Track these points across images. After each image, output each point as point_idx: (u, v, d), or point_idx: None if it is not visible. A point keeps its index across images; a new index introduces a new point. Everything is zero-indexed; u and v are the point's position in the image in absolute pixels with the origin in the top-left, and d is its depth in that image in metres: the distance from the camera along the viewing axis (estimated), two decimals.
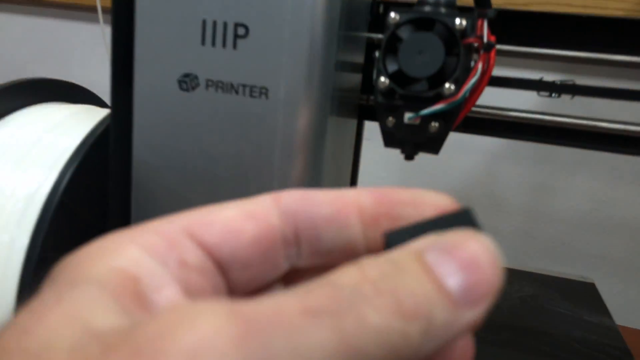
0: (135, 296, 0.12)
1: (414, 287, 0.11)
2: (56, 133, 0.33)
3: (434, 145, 0.28)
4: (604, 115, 0.33)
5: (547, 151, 0.69)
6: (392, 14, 0.27)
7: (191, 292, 0.13)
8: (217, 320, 0.10)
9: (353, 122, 0.36)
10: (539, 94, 0.33)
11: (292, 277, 0.16)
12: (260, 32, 0.27)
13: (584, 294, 0.43)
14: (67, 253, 0.24)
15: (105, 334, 0.11)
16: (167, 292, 0.13)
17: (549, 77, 0.34)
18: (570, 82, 0.33)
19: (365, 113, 0.36)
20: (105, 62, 0.65)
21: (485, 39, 0.28)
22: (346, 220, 0.15)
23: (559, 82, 0.33)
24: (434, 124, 0.27)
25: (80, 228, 0.31)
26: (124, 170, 0.31)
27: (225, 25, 0.28)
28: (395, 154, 0.33)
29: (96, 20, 0.85)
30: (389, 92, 0.27)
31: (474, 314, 0.12)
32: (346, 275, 0.12)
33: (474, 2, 0.31)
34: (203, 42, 0.28)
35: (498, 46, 0.30)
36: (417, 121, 0.27)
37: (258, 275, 0.15)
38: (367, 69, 0.35)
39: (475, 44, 0.27)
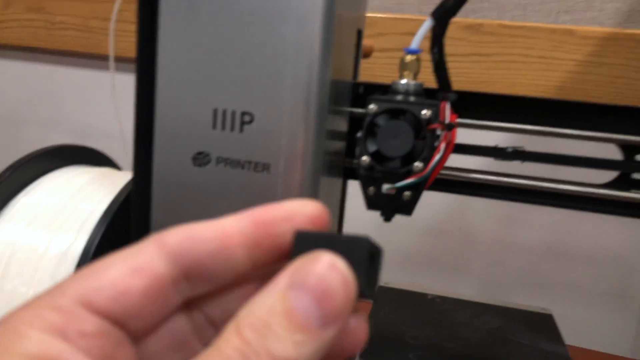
0: None
1: (282, 336, 0.14)
2: (81, 198, 0.38)
3: (407, 209, 0.34)
4: (553, 173, 0.39)
5: None
6: (371, 105, 0.33)
7: (94, 355, 0.15)
8: None
9: (339, 182, 0.42)
10: (495, 159, 0.40)
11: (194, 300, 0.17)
12: (264, 119, 0.33)
13: (543, 325, 0.49)
14: None
15: None
16: None
17: (503, 142, 0.40)
18: (521, 149, 0.39)
19: (349, 174, 0.42)
20: (112, 109, 0.70)
21: (447, 120, 0.34)
22: (230, 252, 0.16)
23: (511, 149, 0.39)
24: (407, 193, 0.33)
25: None
26: (144, 233, 0.36)
27: (233, 113, 0.33)
28: None
29: (101, 67, 0.90)
30: (369, 168, 0.33)
31: (334, 330, 0.14)
32: (229, 341, 0.14)
33: (438, 86, 0.37)
34: (214, 126, 0.34)
35: (460, 119, 0.36)
36: (393, 191, 0.33)
37: (155, 316, 0.16)
38: (350, 137, 0.41)
39: (439, 129, 0.33)
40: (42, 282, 0.35)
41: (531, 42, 0.72)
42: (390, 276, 0.76)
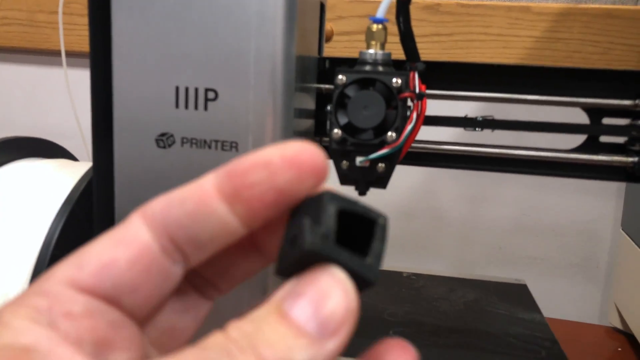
0: None
1: (271, 338, 0.13)
2: (40, 190, 0.36)
3: (382, 181, 0.33)
4: (522, 142, 0.39)
5: None
6: (340, 76, 0.32)
7: (85, 339, 0.14)
8: None
9: None
10: (465, 129, 0.39)
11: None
12: (228, 95, 0.32)
13: (518, 295, 0.49)
14: None
15: None
16: (59, 352, 0.13)
17: (472, 113, 0.40)
18: (490, 117, 0.39)
19: None
20: (68, 107, 0.67)
21: (417, 90, 0.33)
22: (209, 207, 0.15)
23: (480, 118, 0.39)
24: (381, 165, 0.32)
25: None
26: (107, 221, 0.34)
27: (196, 90, 0.32)
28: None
29: (50, 63, 0.86)
30: (341, 141, 0.32)
31: (335, 342, 0.13)
32: (213, 339, 0.13)
33: (406, 57, 0.36)
34: (177, 105, 0.32)
35: (429, 91, 0.36)
36: (367, 164, 0.32)
37: (153, 292, 0.15)
38: (318, 114, 0.40)
39: (410, 97, 0.32)
40: (4, 275, 0.33)
41: (489, 20, 0.73)
42: None
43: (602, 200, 0.76)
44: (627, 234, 0.67)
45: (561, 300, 0.76)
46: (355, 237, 0.15)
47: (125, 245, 0.15)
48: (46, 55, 0.86)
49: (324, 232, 0.14)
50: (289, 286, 0.14)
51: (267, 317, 0.13)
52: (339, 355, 0.14)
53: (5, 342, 0.13)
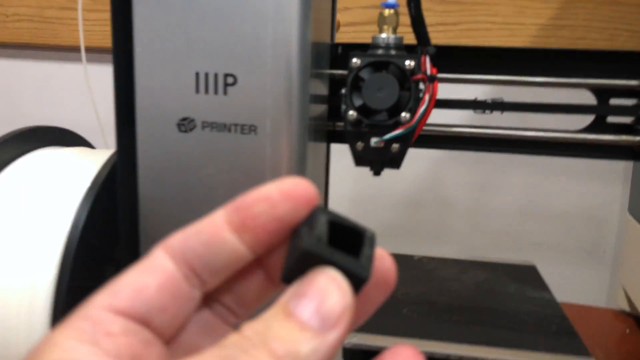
0: None
1: (280, 334, 0.15)
2: (65, 176, 0.37)
3: (396, 162, 0.34)
4: (530, 124, 0.40)
5: (483, 153, 0.78)
6: (354, 59, 0.33)
7: (123, 355, 0.16)
8: None
9: (324, 146, 0.42)
10: (474, 112, 0.40)
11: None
12: (247, 80, 0.33)
13: (528, 276, 0.50)
14: (90, 281, 0.29)
15: None
16: None
17: (480, 97, 0.41)
18: (500, 100, 0.40)
19: (332, 137, 0.42)
20: (80, 101, 0.68)
21: (429, 73, 0.34)
22: (221, 237, 0.17)
23: (490, 101, 0.40)
24: (395, 145, 0.33)
25: (97, 257, 0.36)
26: (131, 205, 0.35)
27: (216, 75, 0.33)
28: (354, 169, 0.39)
29: (62, 59, 0.87)
30: (356, 123, 0.33)
31: (336, 334, 0.15)
32: (230, 339, 0.15)
33: (417, 41, 0.37)
34: (197, 90, 0.33)
35: (439, 75, 0.37)
36: (382, 144, 0.33)
37: (177, 313, 0.18)
38: (331, 100, 0.41)
39: (422, 79, 0.33)
40: (35, 259, 0.34)
41: (494, 9, 0.74)
42: None
43: (608, 184, 0.76)
44: (634, 218, 0.68)
45: (569, 285, 0.77)
46: (347, 247, 0.17)
47: (153, 274, 0.17)
48: (55, 50, 0.88)
49: (317, 235, 0.16)
50: (292, 289, 0.16)
51: (275, 316, 0.15)
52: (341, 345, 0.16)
53: (57, 358, 0.15)
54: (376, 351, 0.18)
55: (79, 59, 0.68)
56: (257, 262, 0.18)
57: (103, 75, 0.70)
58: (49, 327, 0.33)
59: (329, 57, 0.40)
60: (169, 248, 0.18)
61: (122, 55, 0.34)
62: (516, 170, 0.78)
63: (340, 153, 0.41)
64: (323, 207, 0.17)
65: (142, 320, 0.17)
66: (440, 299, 0.44)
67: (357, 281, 0.16)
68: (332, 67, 0.40)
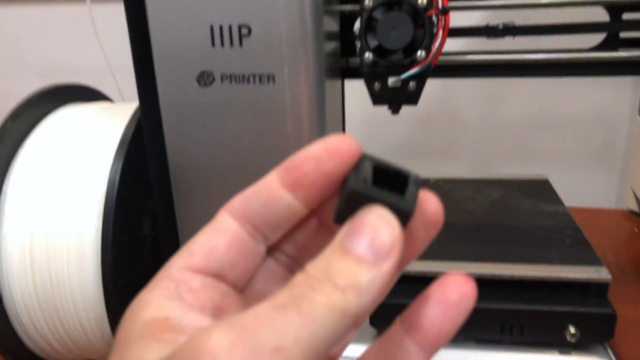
0: (170, 330, 0.17)
1: (340, 269, 0.16)
2: (92, 134, 0.39)
3: (413, 99, 0.35)
4: (541, 46, 0.41)
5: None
6: (367, 0, 0.33)
7: (206, 306, 0.18)
8: (218, 334, 0.15)
9: (339, 82, 0.43)
10: (487, 38, 0.40)
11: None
12: (261, 30, 0.33)
13: (541, 190, 0.52)
14: (129, 231, 0.31)
15: None
16: (190, 317, 0.18)
17: (488, 20, 0.41)
18: (511, 24, 0.40)
19: (346, 74, 0.42)
20: (93, 44, 0.67)
21: (440, 6, 0.34)
22: (277, 196, 0.19)
23: (502, 26, 0.39)
24: (412, 83, 0.34)
25: (134, 210, 0.38)
26: (160, 158, 0.37)
27: (230, 28, 0.33)
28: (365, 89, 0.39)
29: (57, 1, 0.85)
30: (373, 64, 0.34)
31: (389, 263, 0.16)
32: (297, 278, 0.16)
33: None
34: (213, 43, 0.34)
35: (451, 3, 0.37)
36: (399, 83, 0.34)
37: (247, 266, 0.20)
38: (343, 36, 0.41)
39: (435, 14, 0.33)
40: (78, 215, 0.36)
41: None
42: None
43: (618, 88, 0.76)
44: None
45: (580, 189, 0.80)
46: (393, 188, 0.18)
47: (221, 234, 0.19)
48: None
49: (363, 177, 0.17)
50: (345, 228, 0.17)
51: (334, 254, 0.17)
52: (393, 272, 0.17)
53: (151, 315, 0.17)
54: (409, 276, 0.20)
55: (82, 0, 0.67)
56: (312, 213, 0.20)
57: (107, 16, 0.70)
58: (97, 268, 0.35)
59: None
60: (231, 210, 0.19)
61: (135, 12, 0.34)
62: (525, 80, 0.78)
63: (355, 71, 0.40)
64: (368, 154, 0.18)
65: (217, 275, 0.19)
66: (457, 220, 0.46)
67: (404, 216, 0.17)
68: (342, 2, 0.40)
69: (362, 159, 0.18)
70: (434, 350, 0.19)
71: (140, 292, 0.18)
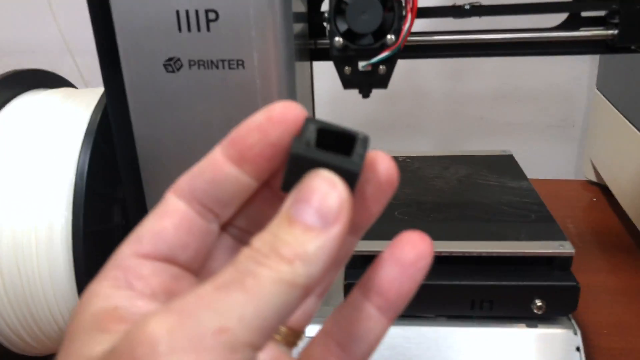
0: (119, 320, 0.16)
1: (287, 240, 0.16)
2: (56, 123, 0.37)
3: (383, 82, 0.35)
4: (507, 24, 0.41)
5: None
6: None
7: (157, 292, 0.18)
8: (156, 320, 0.14)
9: (307, 64, 0.42)
10: (454, 18, 0.41)
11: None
12: (229, 14, 0.32)
13: (506, 165, 0.53)
14: (101, 224, 0.30)
15: (99, 357, 0.15)
16: (139, 304, 0.17)
17: (459, 1, 0.41)
18: (477, 4, 0.40)
19: (315, 56, 0.42)
20: (49, 21, 0.65)
21: None
22: (223, 172, 0.18)
23: (468, 6, 0.40)
24: (382, 67, 0.34)
25: (104, 200, 0.37)
26: (128, 146, 0.36)
27: (197, 12, 0.33)
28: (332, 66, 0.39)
29: None
30: (343, 48, 0.33)
31: (338, 228, 0.16)
32: (242, 253, 0.16)
33: None
34: (179, 29, 0.33)
35: None
36: (370, 67, 0.34)
37: (199, 246, 0.19)
38: (311, 17, 0.40)
39: None
40: (42, 207, 0.35)
41: None
42: None
43: (577, 62, 0.78)
44: (601, 93, 0.71)
45: (541, 161, 0.82)
46: (341, 151, 0.17)
47: (168, 216, 0.18)
48: None
49: (306, 140, 0.17)
50: (291, 196, 0.17)
51: (280, 225, 0.16)
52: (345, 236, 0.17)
53: (99, 306, 0.17)
54: (374, 256, 0.20)
55: None
56: (265, 185, 0.19)
57: None
58: (69, 261, 0.35)
59: None
60: (178, 191, 0.18)
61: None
62: None
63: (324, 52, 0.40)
64: (313, 118, 0.17)
65: (168, 259, 0.18)
66: (426, 198, 0.47)
67: (351, 177, 0.17)
68: None
69: (306, 122, 0.17)
70: (395, 312, 0.19)
71: (89, 284, 0.18)
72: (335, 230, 0.16)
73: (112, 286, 0.17)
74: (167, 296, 0.18)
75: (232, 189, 0.18)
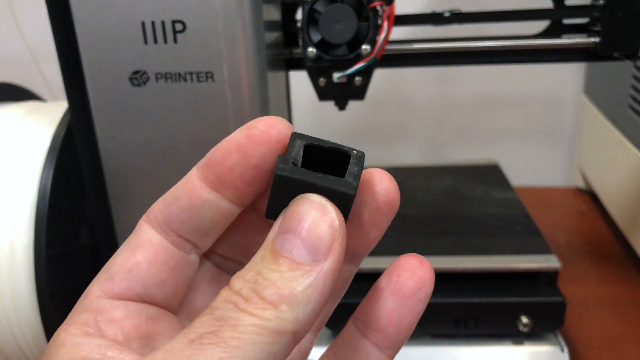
0: None
1: (271, 278, 0.14)
2: (19, 138, 0.36)
3: (360, 94, 0.34)
4: (487, 32, 0.40)
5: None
6: None
7: (132, 337, 0.16)
8: None
9: (282, 74, 0.41)
10: (434, 25, 0.39)
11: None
12: (197, 26, 0.31)
13: (491, 176, 0.52)
14: (66, 245, 0.28)
15: None
16: (109, 355, 0.15)
17: (437, 7, 0.40)
18: (457, 11, 0.39)
19: (290, 65, 0.41)
20: (12, 31, 0.63)
21: None
22: (200, 198, 0.16)
23: (448, 14, 0.39)
24: (358, 78, 0.33)
25: (70, 220, 0.35)
26: (94, 162, 0.34)
27: (163, 23, 0.31)
28: None
29: None
30: (317, 58, 0.32)
31: (330, 262, 0.14)
32: (220, 296, 0.14)
33: None
34: (145, 41, 0.32)
35: None
36: (345, 79, 0.32)
37: (177, 281, 0.17)
38: (286, 26, 0.39)
39: (379, 5, 0.32)
40: (7, 228, 0.34)
41: None
42: None
43: (564, 66, 0.77)
44: (589, 99, 0.70)
45: (530, 168, 0.81)
46: (334, 170, 0.15)
47: (141, 250, 0.16)
48: None
49: (292, 159, 0.15)
50: (276, 225, 0.15)
51: (264, 260, 0.14)
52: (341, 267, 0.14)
53: (66, 357, 0.15)
54: (360, 274, 0.18)
55: None
56: (250, 207, 0.17)
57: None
58: (31, 285, 0.33)
59: None
60: (151, 220, 0.17)
61: (59, 11, 0.32)
62: None
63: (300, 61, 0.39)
64: (300, 133, 0.15)
65: (143, 298, 0.16)
66: (411, 211, 0.45)
67: (344, 200, 0.14)
68: None
69: (293, 139, 0.15)
70: (396, 348, 0.17)
71: (58, 328, 0.16)
72: (328, 266, 0.14)
73: (80, 333, 0.15)
74: (143, 341, 0.16)
75: (211, 216, 0.16)
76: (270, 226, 0.15)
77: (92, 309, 0.16)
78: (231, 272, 0.18)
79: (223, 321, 0.13)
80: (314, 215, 0.14)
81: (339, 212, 0.14)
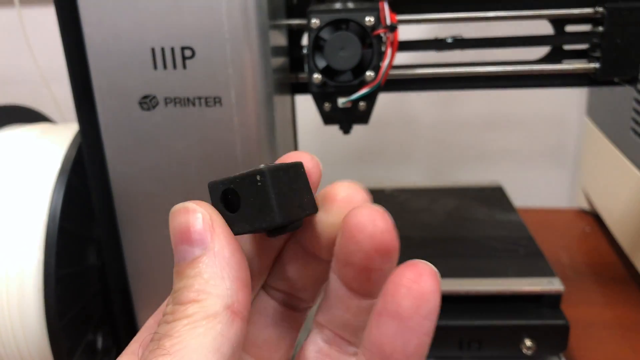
0: None
1: (183, 285, 0.15)
2: (30, 160, 0.37)
3: (364, 118, 0.34)
4: (488, 57, 0.41)
5: None
6: (313, 20, 0.32)
7: None
8: None
9: (288, 98, 0.42)
10: (437, 51, 0.40)
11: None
12: (205, 52, 0.32)
13: (494, 198, 0.53)
14: (74, 266, 0.28)
15: None
16: None
17: (432, 33, 0.40)
18: (459, 37, 0.40)
19: (296, 89, 0.41)
20: (24, 51, 0.64)
21: (388, 22, 0.34)
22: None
23: (451, 40, 0.39)
24: (362, 103, 0.33)
25: (78, 241, 0.36)
26: (103, 185, 0.35)
27: (172, 50, 0.32)
28: None
29: (5, 3, 0.81)
30: (322, 84, 0.33)
31: (219, 240, 0.15)
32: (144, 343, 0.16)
33: None
34: (155, 66, 0.32)
35: (399, 17, 0.36)
36: (350, 104, 0.33)
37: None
38: (291, 51, 0.40)
39: (383, 33, 0.33)
40: (17, 251, 0.34)
41: None
42: (341, 174, 0.78)
43: (567, 89, 0.78)
44: (591, 120, 0.71)
45: (534, 189, 0.81)
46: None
47: None
48: None
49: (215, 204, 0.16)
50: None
51: (174, 280, 0.16)
52: None
53: None
54: None
55: (11, 2, 0.63)
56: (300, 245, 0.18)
57: (39, 19, 0.66)
58: (40, 307, 0.33)
59: (285, 6, 0.38)
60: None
61: (71, 35, 0.33)
62: None
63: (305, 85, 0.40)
64: (214, 182, 0.17)
65: None
66: (413, 233, 0.46)
67: (276, 230, 0.16)
68: (289, 16, 0.39)
69: (210, 187, 0.17)
70: None
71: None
72: (218, 245, 0.15)
73: None
74: None
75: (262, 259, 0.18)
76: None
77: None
78: (292, 306, 0.19)
79: (161, 336, 0.14)
80: (180, 219, 0.16)
81: (201, 202, 0.16)
